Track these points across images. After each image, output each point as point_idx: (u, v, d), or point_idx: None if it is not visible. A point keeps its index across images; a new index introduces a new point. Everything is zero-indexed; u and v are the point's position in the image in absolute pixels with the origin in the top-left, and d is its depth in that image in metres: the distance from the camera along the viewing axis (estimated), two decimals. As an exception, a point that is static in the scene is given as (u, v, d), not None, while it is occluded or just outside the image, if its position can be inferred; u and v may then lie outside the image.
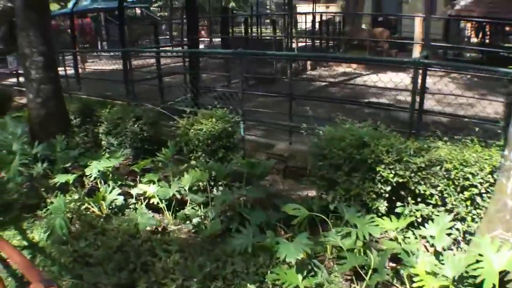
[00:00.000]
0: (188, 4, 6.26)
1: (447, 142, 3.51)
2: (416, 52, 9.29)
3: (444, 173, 3.20)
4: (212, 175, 3.72)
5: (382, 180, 3.37)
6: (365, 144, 3.40)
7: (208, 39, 18.37)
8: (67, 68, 9.35)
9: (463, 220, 3.18)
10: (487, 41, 15.92)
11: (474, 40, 18.62)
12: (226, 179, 3.74)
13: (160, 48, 10.83)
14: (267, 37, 17.12)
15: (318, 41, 16.11)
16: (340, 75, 12.74)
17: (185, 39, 9.59)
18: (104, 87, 8.18)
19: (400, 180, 3.31)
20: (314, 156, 3.56)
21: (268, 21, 24.78)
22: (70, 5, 20.86)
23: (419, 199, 3.32)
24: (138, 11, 24.33)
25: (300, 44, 14.99)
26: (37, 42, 4.86)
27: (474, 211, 3.13)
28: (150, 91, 7.32)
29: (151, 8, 28.84)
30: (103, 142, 5.35)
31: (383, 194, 3.41)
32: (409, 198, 3.35)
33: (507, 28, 16.72)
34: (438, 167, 3.22)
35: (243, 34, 13.78)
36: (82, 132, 5.31)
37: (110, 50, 13.51)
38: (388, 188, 3.37)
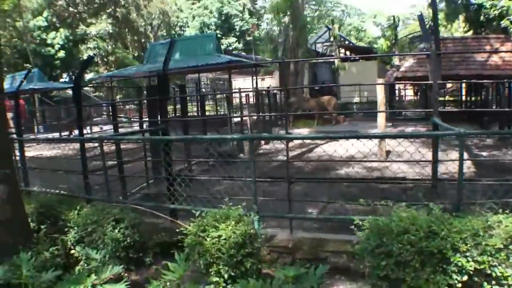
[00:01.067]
0: (161, 82, 5.66)
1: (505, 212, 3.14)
2: (381, 118, 9.29)
3: (521, 250, 2.81)
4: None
5: (456, 270, 2.85)
6: (435, 233, 2.88)
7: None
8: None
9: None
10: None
11: (411, 98, 20.08)
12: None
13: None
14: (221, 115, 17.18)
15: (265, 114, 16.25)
16: (298, 147, 12.54)
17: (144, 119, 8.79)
18: (56, 178, 7.08)
19: (479, 267, 2.83)
20: (373, 256, 2.94)
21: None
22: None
23: (494, 282, 2.86)
24: (70, 91, 23.45)
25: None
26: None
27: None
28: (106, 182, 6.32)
29: (84, 88, 28.01)
30: (72, 251, 4.32)
31: (457, 284, 2.88)
32: (485, 283, 2.87)
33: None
34: (516, 245, 2.81)
35: (199, 113, 13.42)
36: (47, 242, 4.26)
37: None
38: (465, 278, 2.86)
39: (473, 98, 16.77)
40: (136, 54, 33.03)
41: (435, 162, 4.11)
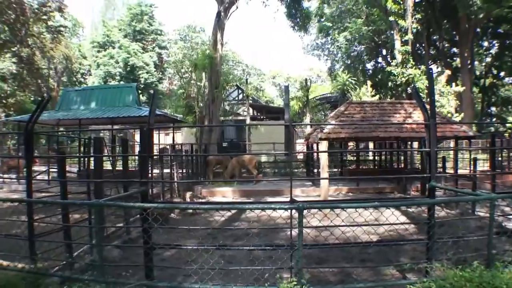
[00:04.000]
0: (146, 137, 5.31)
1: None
2: (325, 181, 9.76)
3: None
4: None
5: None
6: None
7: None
8: None
9: None
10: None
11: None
12: None
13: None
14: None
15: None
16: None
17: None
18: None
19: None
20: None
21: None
22: None
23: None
24: None
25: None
26: None
27: None
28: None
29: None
30: None
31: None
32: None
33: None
34: None
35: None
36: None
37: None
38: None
39: (389, 158, 18.29)
40: (32, 99, 30.24)
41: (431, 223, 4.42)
